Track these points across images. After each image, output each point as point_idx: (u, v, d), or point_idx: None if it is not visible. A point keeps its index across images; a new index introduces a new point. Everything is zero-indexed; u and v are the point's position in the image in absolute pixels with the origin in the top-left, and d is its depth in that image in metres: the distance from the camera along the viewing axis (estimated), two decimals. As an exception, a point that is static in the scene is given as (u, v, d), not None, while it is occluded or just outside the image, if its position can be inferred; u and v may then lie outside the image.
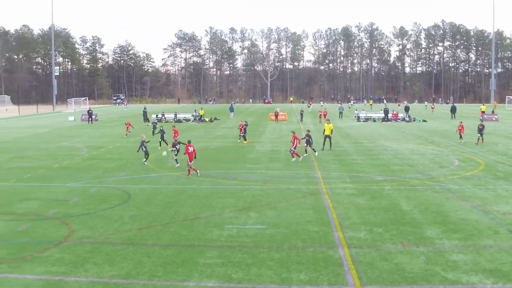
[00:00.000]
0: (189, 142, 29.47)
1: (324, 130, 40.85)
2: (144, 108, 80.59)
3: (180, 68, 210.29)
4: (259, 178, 28.20)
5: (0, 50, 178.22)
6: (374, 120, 75.31)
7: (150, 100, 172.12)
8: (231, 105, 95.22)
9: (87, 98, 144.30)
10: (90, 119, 77.02)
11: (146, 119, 76.00)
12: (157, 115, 79.02)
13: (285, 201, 22.32)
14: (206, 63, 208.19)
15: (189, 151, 28.72)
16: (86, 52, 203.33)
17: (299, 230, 17.76)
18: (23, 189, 26.14)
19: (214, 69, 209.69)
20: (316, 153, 36.68)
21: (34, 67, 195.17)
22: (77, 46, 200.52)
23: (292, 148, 34.79)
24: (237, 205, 21.52)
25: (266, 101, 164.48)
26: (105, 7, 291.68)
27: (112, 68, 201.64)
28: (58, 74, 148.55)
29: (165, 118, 77.45)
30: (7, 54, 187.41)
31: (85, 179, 28.36)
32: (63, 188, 25.93)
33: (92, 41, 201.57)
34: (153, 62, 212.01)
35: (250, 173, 29.87)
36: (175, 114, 78.67)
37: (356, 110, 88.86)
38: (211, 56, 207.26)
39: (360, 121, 75.21)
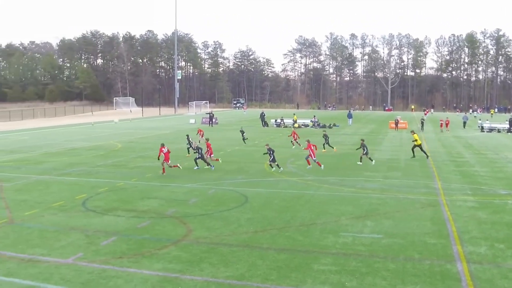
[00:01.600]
0: (163, 144, 32.69)
1: (416, 140, 39.69)
2: (262, 113, 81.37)
3: (299, 74, 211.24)
4: (377, 186, 27.70)
5: (126, 54, 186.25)
6: (499, 131, 72.17)
7: (270, 104, 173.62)
8: (349, 111, 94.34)
9: (208, 101, 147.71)
10: (210, 122, 78.68)
11: (264, 123, 76.73)
12: (276, 120, 79.61)
13: (403, 211, 21.79)
14: (326, 69, 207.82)
15: (164, 151, 31.65)
16: (208, 57, 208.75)
17: (416, 242, 17.27)
18: (145, 187, 27.04)
19: (334, 75, 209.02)
20: (373, 161, 36.10)
21: (158, 70, 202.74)
22: (199, 51, 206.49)
23: (313, 158, 33.63)
24: (354, 213, 21.23)
25: (386, 108, 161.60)
26: (227, 13, 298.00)
27: (232, 72, 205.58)
28: (180, 77, 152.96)
29: (283, 123, 77.88)
30: (133, 58, 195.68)
31: (204, 180, 28.94)
32: (183, 189, 26.59)
33: (214, 46, 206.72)
34: (273, 67, 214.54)
35: (368, 181, 29.40)
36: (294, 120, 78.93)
37: (480, 120, 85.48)
38: (331, 62, 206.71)
39: (483, 131, 72.36)
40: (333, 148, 43.74)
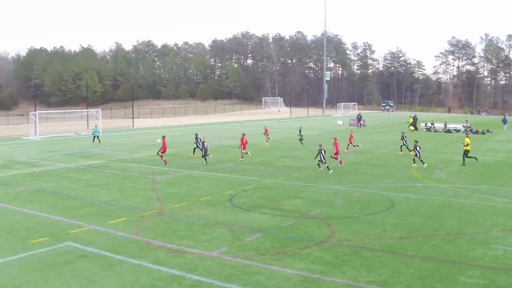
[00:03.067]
0: (164, 137, 36.45)
1: (466, 144, 37.25)
2: (415, 116, 79.39)
3: (451, 77, 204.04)
4: (532, 197, 26.09)
5: (276, 54, 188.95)
6: None
7: (420, 108, 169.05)
8: (504, 117, 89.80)
9: (356, 103, 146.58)
10: (359, 124, 78.07)
11: (415, 127, 74.94)
12: (426, 124, 77.55)
13: (561, 225, 20.36)
14: (480, 71, 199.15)
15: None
16: (357, 58, 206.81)
17: None
18: (291, 187, 27.25)
19: (489, 78, 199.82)
20: (425, 164, 35.42)
21: (306, 71, 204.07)
22: (348, 52, 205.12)
23: (332, 155, 35.12)
24: (506, 225, 20.10)
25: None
26: (377, 13, 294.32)
27: (382, 74, 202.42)
28: (328, 79, 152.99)
29: (434, 127, 75.69)
30: (282, 59, 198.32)
31: (350, 182, 28.70)
32: (328, 190, 26.51)
33: (363, 47, 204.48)
34: (424, 69, 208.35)
35: (522, 191, 27.75)
36: (445, 124, 76.35)
37: None
38: (485, 65, 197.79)
39: None
40: (410, 151, 41.12)
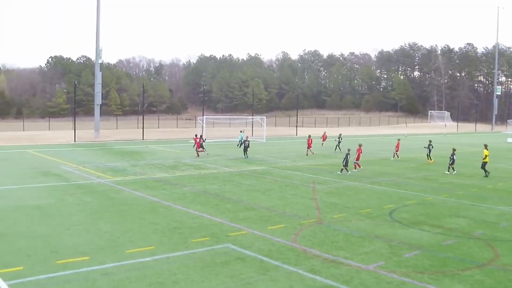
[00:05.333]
0: (196, 135, 47.57)
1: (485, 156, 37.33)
2: None
3: None
4: None
5: (444, 67, 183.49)
6: None
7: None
8: None
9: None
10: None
11: None
12: None
13: None
14: None
15: (197, 141, 45.67)
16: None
17: None
18: (454, 204, 26.33)
19: None
20: (454, 172, 37.80)
21: (476, 85, 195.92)
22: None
23: (355, 160, 37.74)
24: None
25: None
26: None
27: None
28: (499, 93, 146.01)
29: None
30: (450, 72, 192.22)
31: (518, 204, 27.22)
32: (494, 210, 25.30)
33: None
34: None
35: None
36: None
37: None
38: None
39: None
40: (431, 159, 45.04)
